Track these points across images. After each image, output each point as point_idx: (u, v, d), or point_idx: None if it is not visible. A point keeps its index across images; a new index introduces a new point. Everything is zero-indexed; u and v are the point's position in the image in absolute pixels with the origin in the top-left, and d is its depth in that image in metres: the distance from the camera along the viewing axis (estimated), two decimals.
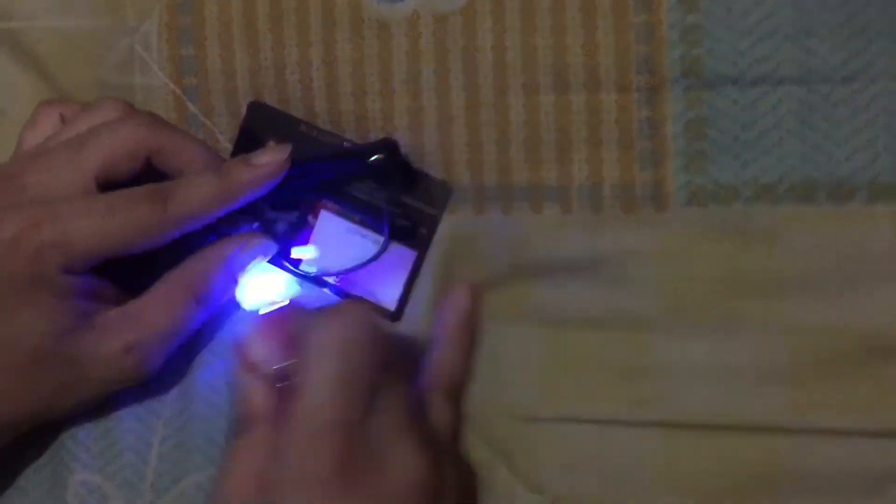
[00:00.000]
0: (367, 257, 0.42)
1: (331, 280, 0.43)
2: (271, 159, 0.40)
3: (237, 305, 0.42)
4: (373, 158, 0.41)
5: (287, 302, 0.38)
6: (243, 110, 0.44)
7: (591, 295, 0.39)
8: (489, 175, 0.41)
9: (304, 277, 0.43)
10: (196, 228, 0.40)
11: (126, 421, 0.43)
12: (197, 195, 0.39)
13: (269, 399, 0.36)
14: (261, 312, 0.39)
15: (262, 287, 0.41)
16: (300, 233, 0.43)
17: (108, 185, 0.39)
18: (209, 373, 0.43)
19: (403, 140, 0.42)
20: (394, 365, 0.36)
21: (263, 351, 0.36)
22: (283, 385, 0.35)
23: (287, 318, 0.37)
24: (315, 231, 0.43)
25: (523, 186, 0.40)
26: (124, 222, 0.38)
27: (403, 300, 0.42)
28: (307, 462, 0.33)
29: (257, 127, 0.44)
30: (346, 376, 0.34)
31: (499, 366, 0.41)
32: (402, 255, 0.42)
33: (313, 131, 0.43)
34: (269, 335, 0.37)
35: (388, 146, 0.41)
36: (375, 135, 0.42)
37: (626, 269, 0.39)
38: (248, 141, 0.44)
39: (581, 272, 0.40)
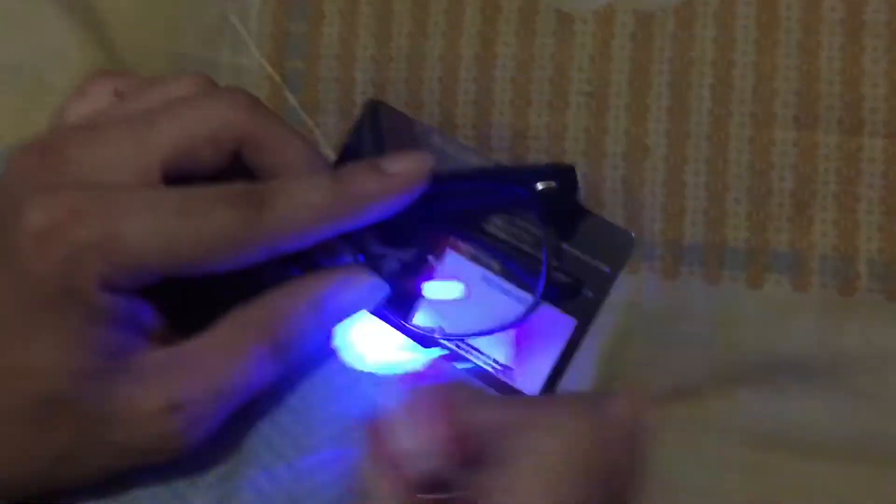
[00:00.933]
0: (508, 321, 0.32)
1: (449, 346, 0.32)
2: (409, 168, 0.30)
3: (324, 360, 0.32)
4: (541, 186, 0.30)
5: (434, 370, 0.27)
6: (358, 109, 0.35)
7: (825, 409, 0.32)
8: (691, 229, 0.33)
9: (411, 336, 0.32)
10: (294, 250, 0.29)
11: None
12: (304, 204, 0.29)
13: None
14: (404, 383, 0.29)
15: (378, 343, 0.30)
16: (416, 277, 0.33)
17: (176, 178, 0.29)
18: (267, 445, 0.31)
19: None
20: None
21: (413, 443, 0.26)
22: (439, 500, 0.26)
23: (457, 401, 0.27)
24: (436, 277, 0.33)
25: (739, 249, 0.33)
26: (200, 228, 0.28)
27: (550, 386, 0.32)
28: None
29: (374, 132, 0.34)
30: None
31: (679, 496, 0.32)
32: (556, 323, 0.33)
33: (450, 146, 0.34)
34: (425, 421, 0.26)
35: (564, 173, 0.31)
36: (536, 160, 0.35)
37: (881, 378, 0.32)
38: (358, 149, 0.34)
39: (813, 376, 0.32)
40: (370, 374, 0.32)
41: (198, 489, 0.32)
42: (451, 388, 0.27)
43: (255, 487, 0.32)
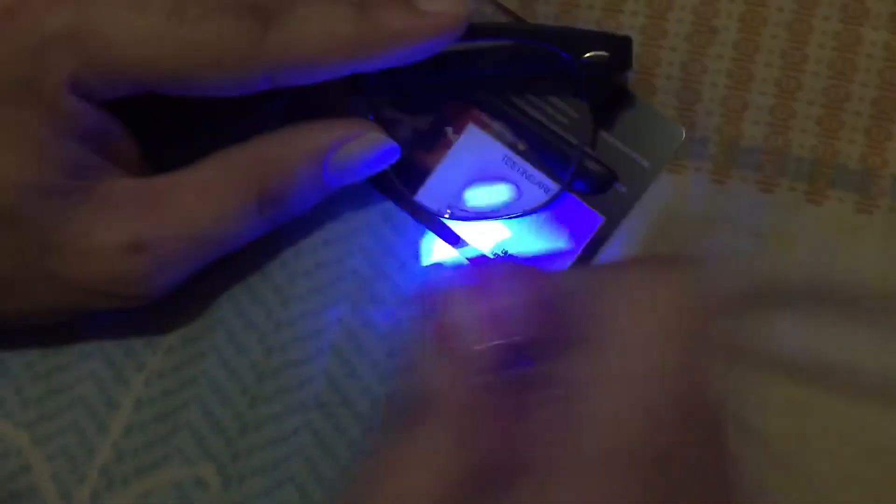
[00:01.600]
0: (526, 208, 0.27)
1: (456, 229, 0.28)
2: (445, 9, 0.25)
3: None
4: (588, 55, 0.26)
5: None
6: None
7: (872, 349, 0.27)
8: (752, 128, 0.29)
9: (416, 214, 0.28)
10: (299, 83, 0.25)
11: (89, 360, 0.29)
12: (319, 30, 0.25)
13: (459, 386, 0.22)
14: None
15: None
16: (429, 149, 0.29)
17: None
18: (236, 323, 0.28)
19: None
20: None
21: (469, 314, 0.22)
22: (512, 374, 0.22)
23: (520, 275, 0.23)
24: (453, 151, 0.29)
25: (804, 157, 0.29)
26: (192, 36, 0.24)
27: None
28: None
29: None
30: (680, 378, 0.21)
31: None
32: (580, 218, 0.29)
33: (488, 8, 0.29)
34: (483, 292, 0.22)
35: (618, 43, 0.27)
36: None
37: None
38: None
39: (865, 310, 0.28)
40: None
41: (154, 351, 0.29)
42: (512, 264, 0.24)
43: (219, 357, 0.28)
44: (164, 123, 0.27)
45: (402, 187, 0.28)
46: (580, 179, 0.28)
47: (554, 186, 0.28)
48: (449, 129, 0.29)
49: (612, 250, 0.28)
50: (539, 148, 0.29)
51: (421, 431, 0.22)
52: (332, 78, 0.26)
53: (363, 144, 0.27)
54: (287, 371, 0.28)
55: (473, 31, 0.26)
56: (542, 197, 0.28)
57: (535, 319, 0.22)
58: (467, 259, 0.27)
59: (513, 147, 0.29)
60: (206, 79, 0.24)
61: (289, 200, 0.26)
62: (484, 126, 0.29)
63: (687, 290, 0.21)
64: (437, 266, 0.26)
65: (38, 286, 0.25)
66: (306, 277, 0.29)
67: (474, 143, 0.29)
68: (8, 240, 0.24)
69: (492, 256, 0.28)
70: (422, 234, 0.29)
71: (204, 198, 0.25)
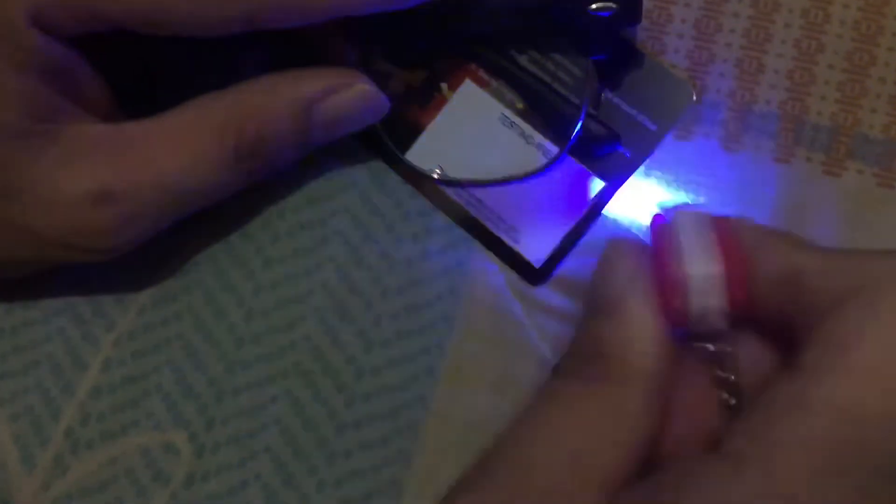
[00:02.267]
0: (522, 171, 0.26)
1: (447, 191, 0.27)
2: None
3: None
4: (595, 6, 0.24)
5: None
6: None
7: None
8: (767, 92, 0.27)
9: (404, 173, 0.27)
10: (280, 25, 0.24)
11: (58, 318, 0.27)
12: None
13: (665, 351, 0.21)
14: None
15: None
16: (422, 105, 0.27)
17: None
18: (215, 284, 0.27)
19: None
20: None
21: (705, 271, 0.20)
22: (709, 348, 0.21)
23: (771, 241, 0.21)
24: (448, 108, 0.27)
25: (822, 125, 0.27)
26: None
27: (557, 256, 0.26)
28: None
29: None
30: None
31: None
32: (579, 182, 0.27)
33: None
34: (727, 250, 0.20)
35: None
36: None
37: None
38: None
39: None
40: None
41: (126, 310, 0.27)
42: (758, 227, 0.21)
43: (195, 319, 0.27)
44: (138, 68, 0.26)
45: (391, 145, 0.27)
46: (583, 141, 0.27)
47: (553, 148, 0.27)
48: (444, 86, 0.28)
49: (610, 217, 0.26)
50: (539, 107, 0.27)
51: (615, 387, 0.20)
52: (317, 20, 0.24)
53: (351, 96, 0.25)
54: (267, 337, 0.27)
55: None
56: (540, 159, 0.27)
57: (778, 293, 0.20)
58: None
59: (511, 106, 0.27)
60: (178, 15, 0.23)
61: (268, 153, 0.25)
62: (481, 83, 0.27)
63: None
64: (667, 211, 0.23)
65: (4, 237, 0.24)
66: (289, 238, 0.27)
67: (470, 100, 0.27)
68: None
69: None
70: (410, 195, 0.27)
71: (176, 147, 0.24)
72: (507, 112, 0.27)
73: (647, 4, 0.26)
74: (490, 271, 0.27)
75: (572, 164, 0.27)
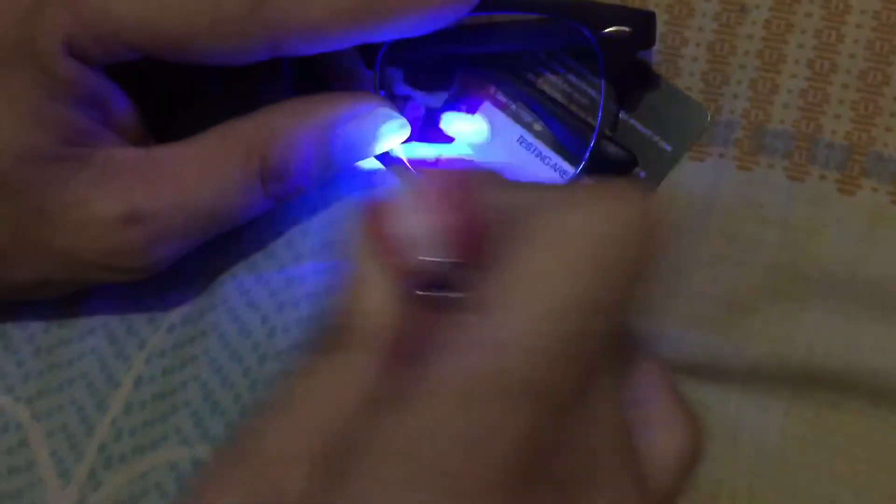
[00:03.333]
0: None
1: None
2: None
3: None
4: (609, 30, 0.25)
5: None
6: None
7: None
8: (782, 112, 0.27)
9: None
10: (301, 53, 0.24)
11: (92, 336, 0.28)
12: None
13: (397, 310, 0.20)
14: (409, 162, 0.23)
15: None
16: (442, 128, 0.28)
17: None
18: (238, 301, 0.27)
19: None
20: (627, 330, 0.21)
21: (417, 225, 0.20)
22: (435, 296, 0.20)
23: (479, 183, 0.21)
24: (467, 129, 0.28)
25: (836, 144, 0.27)
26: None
27: None
28: (450, 445, 0.17)
29: None
30: (590, 316, 0.19)
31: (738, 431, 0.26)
32: None
33: None
34: (433, 203, 0.20)
35: (641, 18, 0.25)
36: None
37: None
38: None
39: None
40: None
41: (157, 328, 0.28)
42: (466, 171, 0.21)
43: (220, 337, 0.27)
44: (167, 92, 0.27)
45: (411, 166, 0.28)
46: (599, 162, 0.27)
47: (570, 170, 0.27)
48: (463, 107, 0.28)
49: None
50: (556, 129, 0.27)
51: (341, 356, 0.20)
52: (337, 48, 0.25)
53: (372, 120, 0.26)
54: (289, 354, 0.27)
55: (487, 2, 0.25)
56: (557, 181, 0.27)
57: (466, 238, 0.20)
58: (414, 166, 0.25)
59: (528, 127, 0.28)
60: (203, 44, 0.23)
61: (292, 176, 0.25)
62: (499, 105, 0.28)
63: (629, 222, 0.19)
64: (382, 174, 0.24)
65: (33, 257, 0.24)
66: (312, 258, 0.28)
67: (488, 122, 0.28)
68: (14, 209, 0.24)
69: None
70: None
71: (204, 170, 0.25)
72: (525, 134, 0.28)
73: (661, 28, 0.27)
74: None
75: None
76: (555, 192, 0.20)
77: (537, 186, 0.21)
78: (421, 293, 0.20)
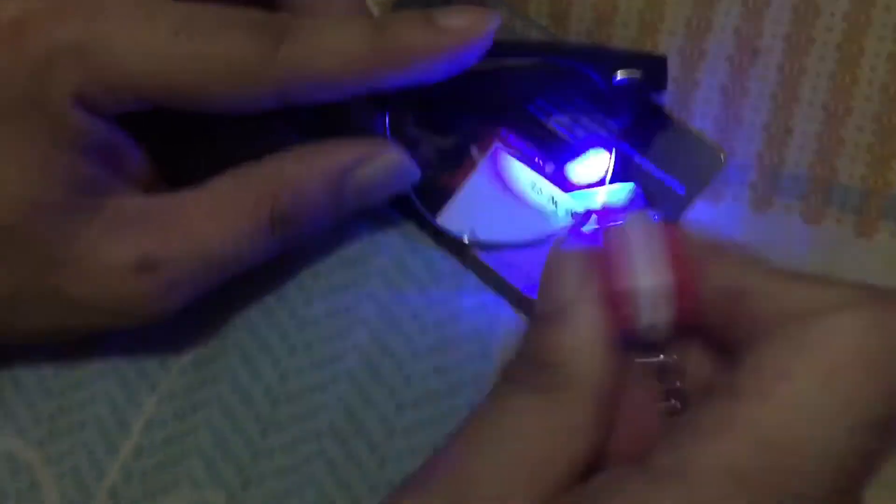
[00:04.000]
0: (554, 233, 0.26)
1: (475, 254, 0.27)
2: (467, 25, 0.24)
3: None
4: (621, 76, 0.25)
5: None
6: None
7: None
8: (797, 155, 0.27)
9: (434, 237, 0.27)
10: (313, 101, 0.25)
11: (103, 380, 0.28)
12: (333, 47, 0.24)
13: (611, 361, 0.21)
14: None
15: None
16: (453, 170, 0.27)
17: None
18: (252, 345, 0.27)
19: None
20: None
21: (653, 282, 0.20)
22: (649, 360, 0.21)
23: (720, 254, 0.21)
24: (478, 173, 0.27)
25: (852, 187, 0.27)
26: (201, 52, 0.23)
27: None
28: None
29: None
30: (866, 436, 0.19)
31: None
32: None
33: (519, 23, 0.28)
34: (675, 261, 0.20)
35: (652, 63, 0.25)
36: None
37: None
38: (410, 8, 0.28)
39: None
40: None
41: (168, 372, 0.28)
42: (702, 238, 0.21)
43: (232, 380, 0.27)
44: (177, 140, 0.27)
45: (422, 209, 0.27)
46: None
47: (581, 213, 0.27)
48: (474, 150, 0.28)
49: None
50: (567, 171, 0.27)
51: (561, 398, 0.20)
52: (347, 96, 0.25)
53: (381, 165, 0.26)
54: (301, 397, 0.27)
55: (498, 48, 0.25)
56: (569, 222, 0.27)
57: (722, 309, 0.20)
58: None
59: (540, 169, 0.28)
60: (214, 96, 0.24)
61: (303, 221, 0.26)
62: (510, 147, 0.28)
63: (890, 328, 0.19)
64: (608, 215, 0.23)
65: (44, 305, 0.24)
66: (323, 301, 0.28)
67: (500, 164, 0.28)
68: (12, 257, 0.24)
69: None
70: (441, 257, 0.28)
71: (215, 216, 0.25)
72: (537, 175, 0.28)
73: (674, 71, 0.27)
74: (521, 332, 0.27)
75: None
76: (810, 286, 0.20)
77: (770, 271, 0.20)
78: (643, 353, 0.21)
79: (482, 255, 0.27)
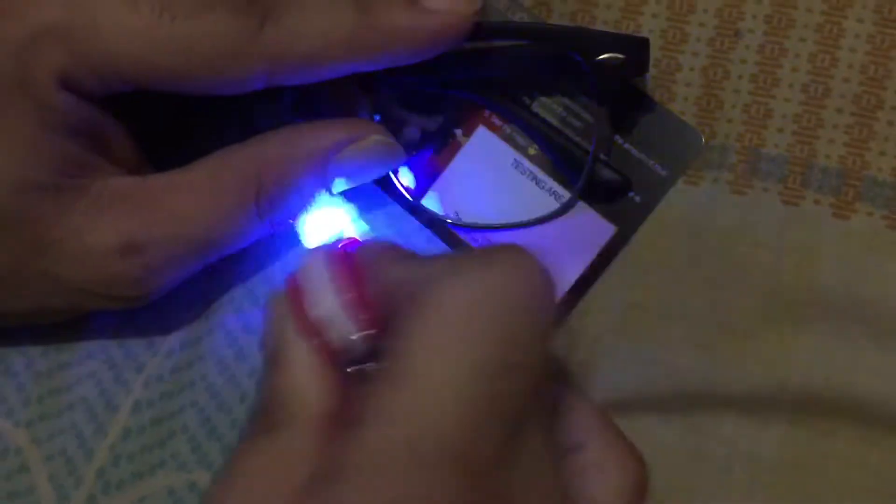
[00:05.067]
0: (535, 216, 0.26)
1: (463, 235, 0.27)
2: (451, 6, 0.24)
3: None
4: (604, 57, 0.25)
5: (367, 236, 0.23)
6: None
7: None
8: (776, 136, 0.27)
9: (420, 217, 0.28)
10: (297, 82, 0.25)
11: (91, 361, 0.28)
12: (316, 27, 0.24)
13: (326, 386, 0.21)
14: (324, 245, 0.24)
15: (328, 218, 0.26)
16: (438, 151, 0.28)
17: None
18: (236, 325, 0.27)
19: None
20: (547, 383, 0.22)
21: (332, 306, 0.21)
22: (358, 369, 0.22)
23: (380, 259, 0.22)
24: (462, 154, 0.28)
25: (830, 168, 0.27)
26: (185, 32, 0.23)
27: (574, 299, 0.27)
28: None
29: None
30: (494, 378, 0.20)
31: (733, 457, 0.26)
32: (591, 228, 0.28)
33: (501, 4, 0.28)
34: (344, 281, 0.22)
35: (635, 45, 0.26)
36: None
37: None
38: None
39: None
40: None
41: (155, 353, 0.28)
42: (371, 245, 0.23)
43: (218, 361, 0.27)
44: (163, 121, 0.27)
45: (407, 191, 0.28)
46: (594, 186, 0.27)
47: (565, 194, 0.27)
48: (458, 132, 0.28)
49: (623, 261, 0.27)
50: (551, 153, 0.27)
51: (283, 434, 0.21)
52: (332, 77, 0.25)
53: (366, 147, 0.26)
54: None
55: (481, 30, 0.25)
56: (552, 205, 0.27)
57: (369, 315, 0.21)
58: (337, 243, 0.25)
59: (523, 151, 0.28)
60: (198, 77, 0.24)
61: (288, 203, 0.26)
62: (494, 128, 0.28)
63: (527, 288, 0.20)
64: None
65: (31, 285, 0.25)
66: None
67: (484, 146, 0.28)
68: (12, 240, 0.24)
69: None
70: (427, 239, 0.28)
71: (200, 198, 0.25)
72: (520, 157, 0.28)
73: (655, 53, 0.27)
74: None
75: (584, 209, 0.27)
76: (444, 262, 0.22)
77: (431, 258, 0.22)
78: (349, 369, 0.21)
79: (467, 237, 0.28)
